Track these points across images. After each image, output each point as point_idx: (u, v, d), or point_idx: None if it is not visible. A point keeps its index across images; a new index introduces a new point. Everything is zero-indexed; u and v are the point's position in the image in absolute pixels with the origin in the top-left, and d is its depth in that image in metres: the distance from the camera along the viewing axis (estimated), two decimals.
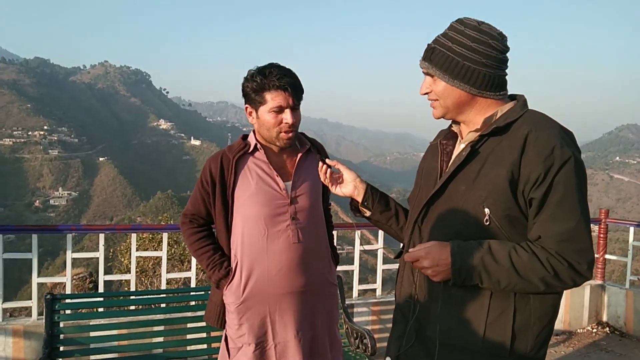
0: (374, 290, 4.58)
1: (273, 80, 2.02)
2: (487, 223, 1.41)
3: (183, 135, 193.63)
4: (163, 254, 3.94)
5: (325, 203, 2.35)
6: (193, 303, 3.25)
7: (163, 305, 3.56)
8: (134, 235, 3.94)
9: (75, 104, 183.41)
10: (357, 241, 4.29)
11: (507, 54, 1.49)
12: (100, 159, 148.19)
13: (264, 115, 2.07)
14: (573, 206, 1.35)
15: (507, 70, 1.52)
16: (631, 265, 5.09)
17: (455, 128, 1.65)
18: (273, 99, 2.03)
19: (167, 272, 4.01)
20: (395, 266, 4.65)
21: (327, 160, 1.83)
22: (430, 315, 1.51)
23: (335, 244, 2.43)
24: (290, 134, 2.10)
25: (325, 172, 1.79)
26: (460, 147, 1.57)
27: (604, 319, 5.28)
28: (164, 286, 3.92)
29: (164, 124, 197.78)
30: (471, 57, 1.45)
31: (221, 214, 2.15)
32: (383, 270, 4.53)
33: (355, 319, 4.12)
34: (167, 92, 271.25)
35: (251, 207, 2.11)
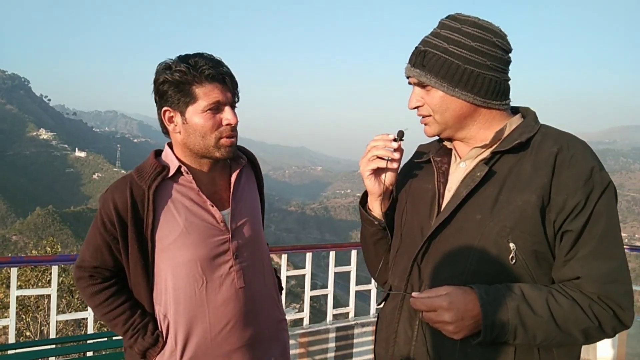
0: (301, 319, 4.18)
1: (204, 69, 1.53)
2: (513, 262, 1.18)
3: (66, 146, 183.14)
4: (52, 291, 3.24)
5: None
6: (91, 354, 2.76)
7: (52, 359, 2.92)
8: (14, 271, 3.17)
9: None
10: (284, 265, 3.91)
11: (511, 55, 1.29)
12: None
13: (194, 119, 1.56)
14: (616, 241, 1.18)
15: (510, 75, 1.30)
16: None
17: (448, 144, 1.39)
18: (207, 94, 1.54)
19: (58, 311, 3.30)
20: (324, 292, 4.41)
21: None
22: None
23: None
24: (234, 139, 1.62)
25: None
26: (459, 166, 1.32)
27: None
28: (53, 332, 3.22)
29: (44, 134, 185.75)
30: (474, 60, 1.22)
31: (139, 263, 1.61)
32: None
33: None
34: (49, 100, 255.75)
35: (182, 251, 1.60)
